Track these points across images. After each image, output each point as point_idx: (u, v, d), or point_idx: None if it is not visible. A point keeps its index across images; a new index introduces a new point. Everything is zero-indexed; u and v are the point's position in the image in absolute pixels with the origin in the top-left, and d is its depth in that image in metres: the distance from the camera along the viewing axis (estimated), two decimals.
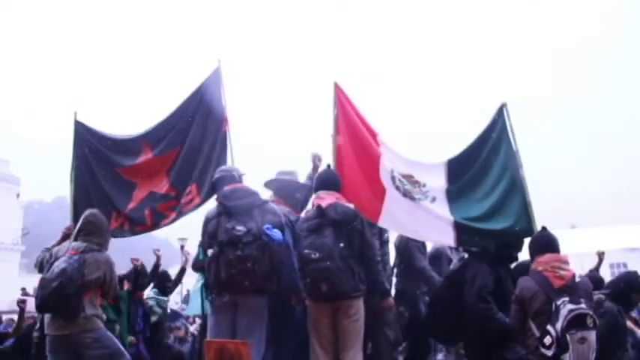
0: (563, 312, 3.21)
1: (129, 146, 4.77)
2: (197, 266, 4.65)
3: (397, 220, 4.22)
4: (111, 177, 4.65)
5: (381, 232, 4.51)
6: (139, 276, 5.64)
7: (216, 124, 4.77)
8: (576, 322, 3.18)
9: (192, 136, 4.73)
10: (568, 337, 3.16)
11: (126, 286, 5.62)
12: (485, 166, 4.27)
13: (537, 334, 3.34)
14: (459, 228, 4.08)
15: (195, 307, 7.70)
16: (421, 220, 4.17)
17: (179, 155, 4.72)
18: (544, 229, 3.79)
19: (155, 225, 4.64)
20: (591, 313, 3.25)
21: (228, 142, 4.75)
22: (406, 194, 4.16)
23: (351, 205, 3.86)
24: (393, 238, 4.92)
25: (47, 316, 3.74)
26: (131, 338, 5.50)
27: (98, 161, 4.67)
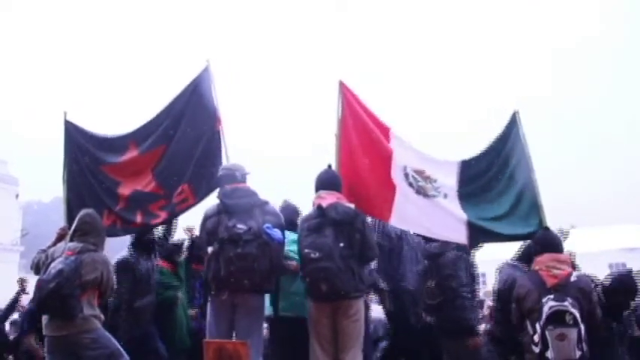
0: (545, 309, 3.24)
1: (115, 144, 4.71)
2: None
3: (409, 219, 4.14)
4: (98, 176, 4.61)
5: (471, 266, 4.19)
6: (194, 245, 5.44)
7: (209, 124, 4.66)
8: (554, 318, 3.19)
9: (181, 135, 4.62)
10: (547, 333, 3.18)
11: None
12: (498, 172, 4.21)
13: (531, 332, 3.35)
14: (472, 227, 4.02)
15: None
16: (434, 217, 4.10)
17: (165, 153, 4.61)
18: (546, 229, 3.80)
19: (145, 224, 4.58)
20: (572, 310, 3.21)
21: (222, 142, 4.65)
22: (419, 191, 4.09)
23: (352, 205, 3.83)
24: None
25: (45, 317, 3.72)
26: (192, 312, 5.36)
27: (87, 160, 4.62)
